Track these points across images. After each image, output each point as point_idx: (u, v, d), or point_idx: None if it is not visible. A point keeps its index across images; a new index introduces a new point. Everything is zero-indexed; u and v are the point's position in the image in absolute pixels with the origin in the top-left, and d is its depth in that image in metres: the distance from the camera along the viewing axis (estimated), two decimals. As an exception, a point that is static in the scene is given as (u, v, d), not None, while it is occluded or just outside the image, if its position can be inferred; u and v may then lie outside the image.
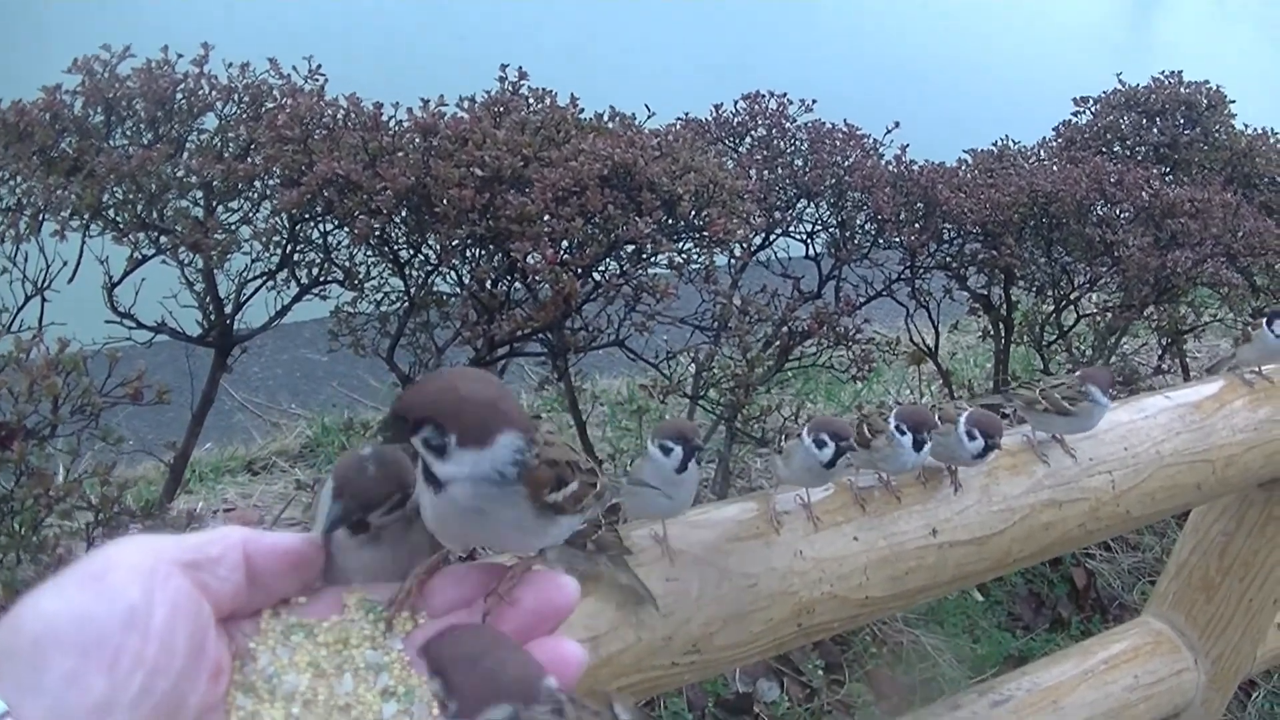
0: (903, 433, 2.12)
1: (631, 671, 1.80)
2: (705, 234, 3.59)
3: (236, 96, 3.70)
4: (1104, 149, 5.71)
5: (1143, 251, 4.55)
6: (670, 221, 3.56)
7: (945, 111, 10.36)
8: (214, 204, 3.57)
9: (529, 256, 3.32)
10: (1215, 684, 3.15)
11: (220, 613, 0.94)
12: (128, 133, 3.62)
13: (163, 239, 3.51)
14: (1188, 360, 5.73)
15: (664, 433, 1.85)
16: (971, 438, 2.17)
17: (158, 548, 0.91)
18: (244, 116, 3.69)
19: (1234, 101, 5.89)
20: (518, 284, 3.63)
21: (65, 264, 3.46)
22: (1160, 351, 5.63)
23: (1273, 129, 5.89)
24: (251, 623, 0.97)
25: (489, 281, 3.54)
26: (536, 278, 3.42)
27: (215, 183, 3.49)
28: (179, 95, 3.61)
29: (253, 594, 0.97)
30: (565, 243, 3.42)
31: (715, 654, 1.91)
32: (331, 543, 1.05)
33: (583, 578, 1.74)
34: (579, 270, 3.45)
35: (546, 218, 3.37)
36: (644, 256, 3.59)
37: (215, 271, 3.61)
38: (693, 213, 3.57)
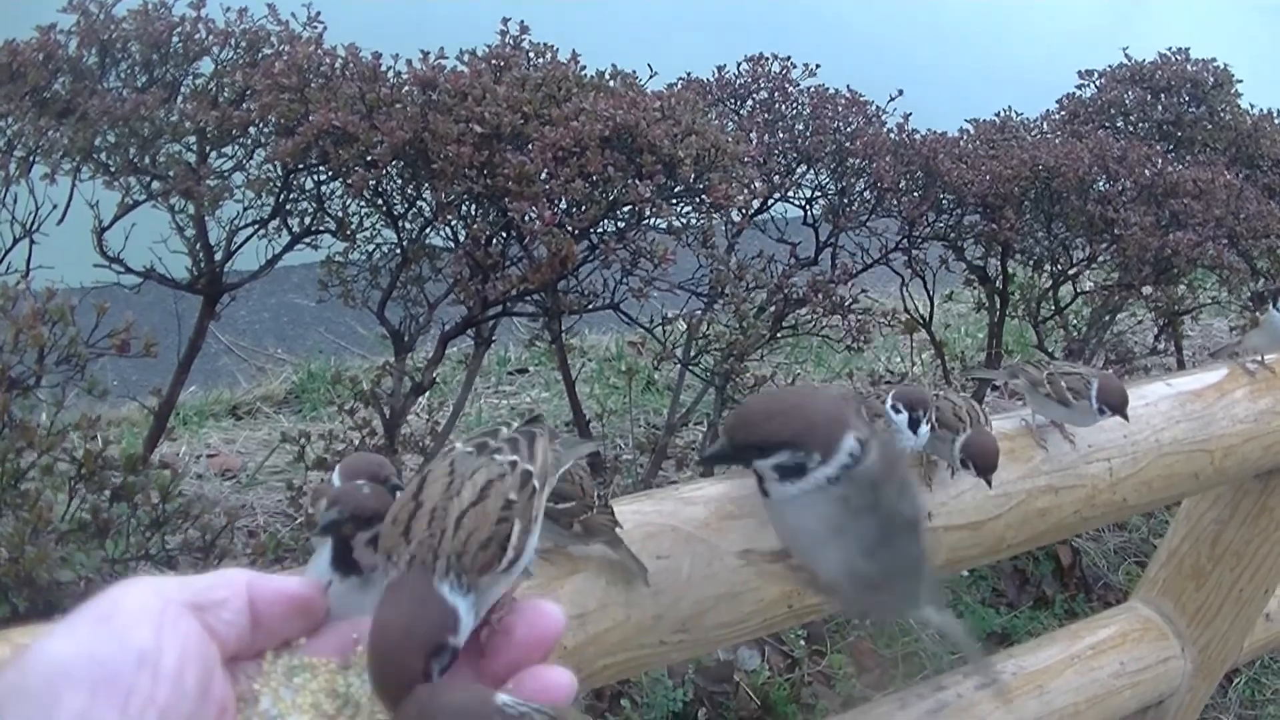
0: (914, 423, 2.07)
1: (618, 650, 1.78)
2: (705, 198, 3.56)
3: (233, 42, 3.65)
4: (1107, 124, 5.67)
5: (1143, 230, 4.51)
6: (670, 184, 3.52)
7: (949, 80, 10.32)
8: (207, 150, 3.54)
9: (526, 216, 3.28)
10: (1201, 672, 3.14)
11: (224, 654, 0.93)
12: (122, 75, 3.59)
13: (154, 184, 3.48)
14: (1183, 341, 5.71)
15: None
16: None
17: (165, 590, 0.90)
18: (240, 62, 3.65)
19: (1241, 81, 5.84)
20: (513, 243, 3.59)
21: (55, 207, 3.43)
22: (1156, 331, 5.60)
23: (1279, 110, 5.85)
24: (255, 664, 0.97)
25: (484, 239, 3.50)
26: (533, 238, 3.39)
27: (209, 129, 3.45)
28: (175, 38, 3.57)
29: (256, 636, 0.96)
30: (563, 203, 3.38)
31: (704, 633, 1.88)
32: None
33: (572, 558, 1.72)
34: (576, 232, 3.42)
35: (545, 177, 3.34)
36: (642, 219, 3.55)
37: (206, 218, 3.58)
38: (693, 176, 3.53)
